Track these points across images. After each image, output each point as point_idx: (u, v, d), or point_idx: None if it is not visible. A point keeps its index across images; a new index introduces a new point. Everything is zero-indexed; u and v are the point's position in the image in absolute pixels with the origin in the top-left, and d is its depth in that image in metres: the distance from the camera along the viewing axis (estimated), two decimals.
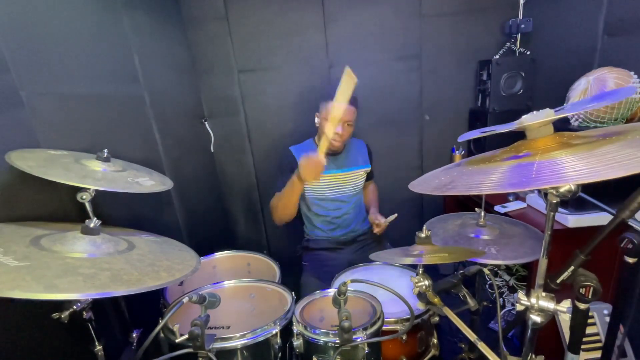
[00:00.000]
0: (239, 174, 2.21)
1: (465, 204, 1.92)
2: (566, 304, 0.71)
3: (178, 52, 1.86)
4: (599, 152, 0.55)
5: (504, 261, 0.98)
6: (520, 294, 0.75)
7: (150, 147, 1.52)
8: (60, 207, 1.02)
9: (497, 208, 1.53)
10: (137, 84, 1.45)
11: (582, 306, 0.68)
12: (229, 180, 2.23)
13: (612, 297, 1.25)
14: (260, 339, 0.94)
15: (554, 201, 0.66)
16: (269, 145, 2.12)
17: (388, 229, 1.58)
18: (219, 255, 1.45)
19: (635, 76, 1.22)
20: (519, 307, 0.75)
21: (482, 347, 0.82)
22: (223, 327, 1.06)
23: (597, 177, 0.48)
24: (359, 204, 1.73)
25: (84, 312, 0.90)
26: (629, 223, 0.65)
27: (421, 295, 0.95)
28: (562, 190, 0.62)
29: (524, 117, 0.68)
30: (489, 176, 0.62)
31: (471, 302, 0.96)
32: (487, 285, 1.81)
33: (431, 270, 0.90)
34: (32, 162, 0.84)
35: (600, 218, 1.21)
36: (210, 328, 1.04)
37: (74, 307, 0.86)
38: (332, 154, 1.62)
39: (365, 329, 0.94)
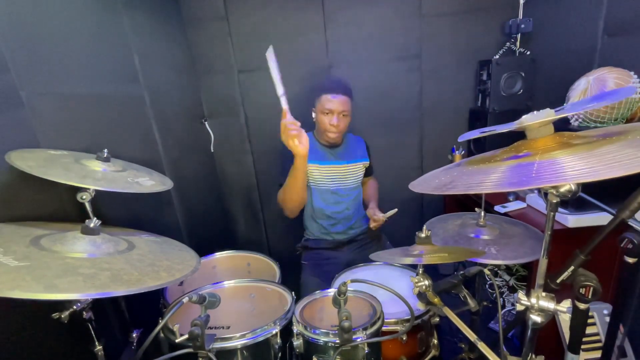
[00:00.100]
0: (239, 174, 2.21)
1: (465, 204, 1.92)
2: (566, 304, 0.71)
3: (178, 52, 1.86)
4: (599, 152, 0.55)
5: (504, 261, 0.98)
6: (520, 294, 0.75)
7: (150, 147, 1.52)
8: (60, 207, 1.02)
9: (497, 208, 1.53)
10: (137, 84, 1.45)
11: (582, 306, 0.68)
12: (229, 180, 2.22)
13: (612, 297, 1.25)
14: (260, 339, 0.94)
15: (554, 201, 0.66)
16: (269, 145, 2.12)
17: (388, 227, 1.58)
18: (219, 255, 1.45)
19: (635, 76, 1.22)
20: (519, 307, 0.75)
21: (482, 347, 0.82)
22: (223, 327, 1.06)
23: (597, 177, 0.48)
24: (359, 201, 1.74)
25: (84, 312, 0.90)
26: (629, 223, 0.65)
27: (421, 296, 0.95)
28: (562, 190, 0.62)
29: (524, 117, 0.68)
30: (489, 176, 0.62)
31: (471, 303, 0.95)
32: (487, 285, 1.81)
33: (431, 271, 0.90)
34: (32, 162, 0.84)
35: (600, 218, 1.21)
36: (210, 328, 1.04)
37: (74, 307, 0.86)
38: (330, 146, 1.64)
39: (365, 329, 0.94)
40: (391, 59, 2.02)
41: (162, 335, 0.95)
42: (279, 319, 0.99)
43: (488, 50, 1.98)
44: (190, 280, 1.25)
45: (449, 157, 2.17)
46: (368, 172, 1.79)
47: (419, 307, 0.99)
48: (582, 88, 1.30)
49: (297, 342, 0.98)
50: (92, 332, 0.93)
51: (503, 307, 1.83)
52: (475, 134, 0.89)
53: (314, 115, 1.60)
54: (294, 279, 1.57)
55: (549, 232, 0.70)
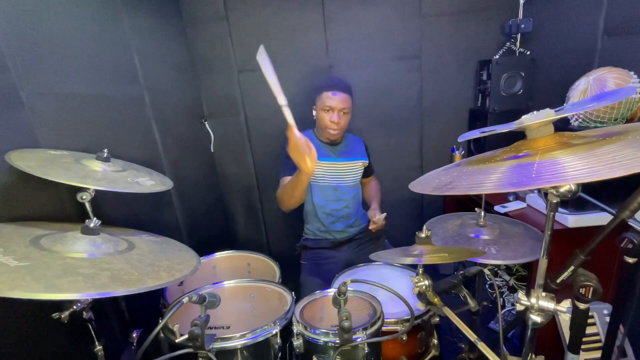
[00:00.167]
0: (239, 174, 2.21)
1: (465, 204, 1.92)
2: (566, 304, 0.71)
3: (178, 52, 1.86)
4: (599, 152, 0.55)
5: (504, 261, 0.98)
6: (520, 294, 0.75)
7: (150, 147, 1.52)
8: (60, 207, 1.02)
9: (497, 208, 1.53)
10: (137, 84, 1.45)
11: (582, 306, 0.68)
12: (229, 180, 2.22)
13: (612, 297, 1.25)
14: (260, 339, 0.95)
15: (554, 201, 0.66)
16: (269, 145, 2.12)
17: (388, 227, 1.59)
18: (219, 255, 1.45)
19: (635, 76, 1.22)
20: (519, 307, 0.75)
21: (482, 347, 0.82)
22: (223, 327, 1.06)
23: (597, 177, 0.48)
24: (358, 200, 1.74)
25: (84, 312, 0.90)
26: (629, 223, 0.65)
27: (421, 296, 0.95)
28: (562, 190, 0.62)
29: (524, 117, 0.68)
30: (489, 176, 0.62)
31: (471, 303, 0.95)
32: (487, 285, 1.81)
33: (431, 271, 0.90)
34: (32, 162, 0.84)
35: (600, 218, 1.21)
36: (210, 328, 1.04)
37: (74, 307, 0.86)
38: (330, 143, 1.65)
39: (365, 329, 0.94)
40: (391, 59, 2.02)
41: (162, 335, 0.95)
42: (279, 319, 0.99)
43: (488, 50, 1.98)
44: (190, 280, 1.25)
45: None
46: (368, 172, 1.80)
47: (419, 307, 0.99)
48: (582, 88, 1.30)
49: (297, 342, 0.98)
50: (92, 332, 0.93)
51: (503, 307, 1.82)
52: (475, 134, 0.89)
53: (314, 112, 1.62)
54: (294, 279, 1.57)
55: (549, 232, 0.70)
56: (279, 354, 0.98)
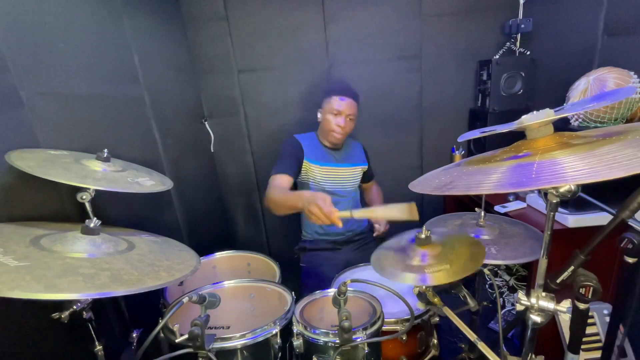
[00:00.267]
0: (239, 174, 2.21)
1: (465, 204, 1.92)
2: (566, 304, 0.71)
3: (178, 52, 1.86)
4: (599, 152, 0.55)
5: (504, 261, 0.98)
6: (520, 294, 0.75)
7: (150, 147, 1.52)
8: (60, 207, 1.02)
9: (497, 208, 1.53)
10: (137, 84, 1.45)
11: (582, 306, 0.68)
12: (229, 180, 2.22)
13: (612, 297, 1.25)
14: (260, 339, 0.94)
15: (554, 201, 0.66)
16: (269, 146, 2.12)
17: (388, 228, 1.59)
18: (219, 255, 1.45)
19: (635, 76, 1.22)
20: (519, 307, 0.75)
21: (482, 347, 0.82)
22: (223, 327, 1.06)
23: (597, 177, 0.48)
24: (356, 202, 1.76)
25: (84, 312, 0.90)
26: (629, 223, 0.65)
27: (421, 295, 0.95)
28: (562, 190, 0.62)
29: (524, 117, 0.68)
30: (489, 176, 0.62)
31: (471, 303, 0.95)
32: (487, 285, 1.81)
33: None
34: (32, 162, 0.84)
35: (600, 218, 1.21)
36: (210, 328, 1.04)
37: (74, 307, 0.86)
38: (332, 148, 1.66)
39: (365, 329, 0.94)
40: (391, 59, 2.02)
41: (162, 335, 0.95)
42: (279, 319, 0.99)
43: (488, 50, 1.98)
44: (190, 280, 1.25)
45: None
46: (368, 177, 1.81)
47: (419, 306, 0.99)
48: (582, 88, 1.30)
49: (297, 342, 0.98)
50: (92, 332, 0.93)
51: (503, 307, 1.82)
52: (475, 134, 0.89)
53: (319, 115, 1.62)
54: (294, 279, 1.57)
55: (549, 232, 0.70)
56: (279, 354, 0.98)
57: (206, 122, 2.07)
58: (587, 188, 0.63)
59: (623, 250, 0.71)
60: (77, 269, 0.64)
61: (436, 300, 0.91)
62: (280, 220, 2.26)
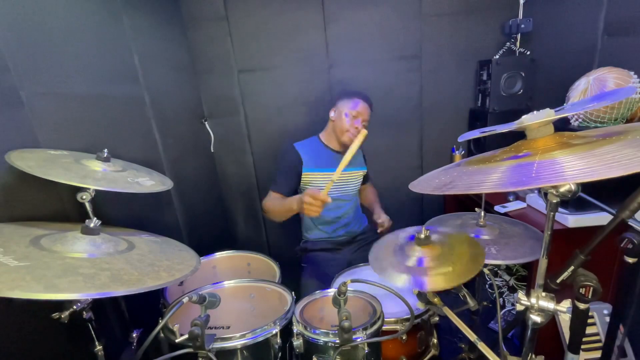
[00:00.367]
0: (239, 174, 2.20)
1: (465, 204, 1.92)
2: (566, 304, 0.71)
3: (178, 52, 1.86)
4: (599, 152, 0.55)
5: (504, 261, 0.98)
6: (520, 294, 0.75)
7: (150, 147, 1.52)
8: (60, 207, 1.02)
9: (497, 208, 1.53)
10: (137, 84, 1.45)
11: (582, 306, 0.68)
12: (229, 180, 2.22)
13: (612, 297, 1.25)
14: (260, 339, 0.94)
15: (554, 201, 0.66)
16: (269, 145, 2.12)
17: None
18: (219, 255, 1.44)
19: (635, 76, 1.22)
20: (519, 307, 0.75)
21: (482, 347, 0.82)
22: (223, 327, 1.06)
23: (597, 177, 0.48)
24: (357, 205, 1.77)
25: (84, 312, 0.90)
26: (629, 223, 0.65)
27: (421, 295, 0.95)
28: (562, 190, 0.62)
29: (524, 117, 0.68)
30: (489, 176, 0.62)
31: (471, 302, 0.95)
32: (487, 285, 1.81)
33: None
34: (32, 162, 0.84)
35: (600, 218, 1.21)
36: (210, 328, 1.04)
37: (74, 307, 0.86)
38: (338, 152, 1.66)
39: (365, 329, 0.94)
40: (391, 59, 2.02)
41: (162, 335, 0.95)
42: (279, 319, 0.99)
43: (488, 50, 1.98)
44: (190, 280, 1.25)
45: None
46: (366, 180, 1.83)
47: (419, 306, 0.99)
48: (582, 88, 1.30)
49: (297, 342, 0.98)
50: (92, 332, 0.92)
51: (503, 307, 1.83)
52: (475, 134, 0.89)
53: (332, 114, 1.62)
54: (294, 279, 1.57)
55: (549, 232, 0.70)
56: (279, 354, 0.98)
57: (206, 122, 2.07)
58: (587, 188, 0.63)
59: (623, 250, 0.71)
60: (77, 269, 0.64)
61: (436, 300, 0.91)
62: None
